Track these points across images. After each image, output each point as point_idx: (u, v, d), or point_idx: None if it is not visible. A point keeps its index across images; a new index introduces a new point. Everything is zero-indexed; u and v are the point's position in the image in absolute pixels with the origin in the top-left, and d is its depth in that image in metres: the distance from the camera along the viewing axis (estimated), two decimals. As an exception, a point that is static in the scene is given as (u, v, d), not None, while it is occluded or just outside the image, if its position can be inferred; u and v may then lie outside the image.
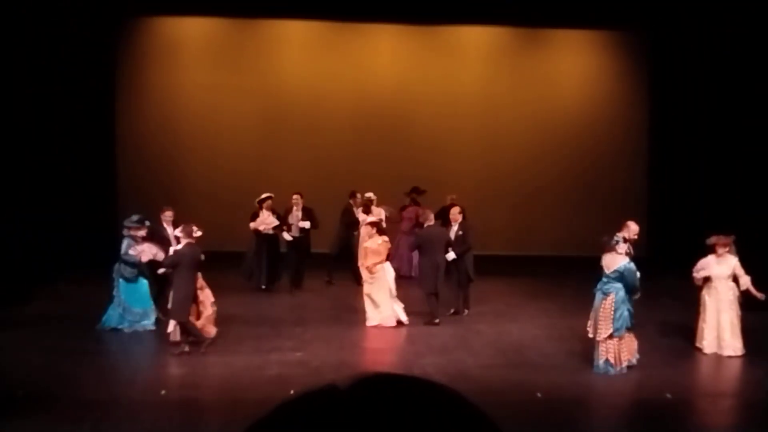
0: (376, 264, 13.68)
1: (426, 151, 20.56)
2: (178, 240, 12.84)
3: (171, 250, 12.77)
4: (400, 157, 20.29)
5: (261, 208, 15.79)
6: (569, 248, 20.03)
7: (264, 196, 15.88)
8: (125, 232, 13.03)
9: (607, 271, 11.63)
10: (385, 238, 14.01)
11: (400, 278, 17.84)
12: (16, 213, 15.47)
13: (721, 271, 12.32)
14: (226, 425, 9.47)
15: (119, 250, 13.02)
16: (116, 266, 13.08)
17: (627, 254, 11.82)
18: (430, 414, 1.07)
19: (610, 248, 11.68)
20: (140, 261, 12.83)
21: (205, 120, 20.40)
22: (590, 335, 11.86)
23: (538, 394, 10.63)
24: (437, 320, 13.89)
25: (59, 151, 17.50)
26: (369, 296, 13.73)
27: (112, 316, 12.98)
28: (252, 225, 15.81)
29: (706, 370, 12.29)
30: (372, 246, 13.80)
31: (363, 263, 14.04)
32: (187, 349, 11.81)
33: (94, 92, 18.90)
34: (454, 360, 12.00)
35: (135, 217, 13.10)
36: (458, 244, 14.26)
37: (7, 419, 9.51)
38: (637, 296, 11.76)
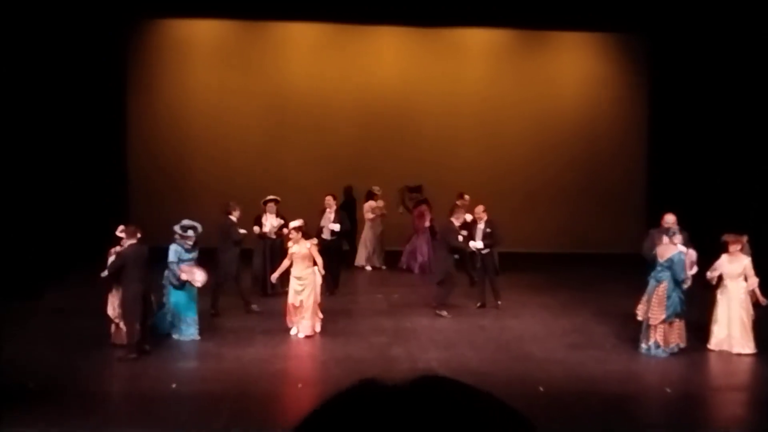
0: (308, 267, 12.95)
1: (429, 151, 20.76)
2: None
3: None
4: (404, 156, 20.49)
5: (265, 210, 15.36)
6: (570, 245, 20.21)
7: (269, 197, 15.40)
8: (176, 238, 12.55)
9: (661, 260, 12.32)
10: (314, 241, 13.36)
11: (409, 273, 18.17)
12: (29, 209, 15.69)
13: (732, 270, 12.45)
14: (236, 417, 9.68)
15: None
16: (165, 273, 12.53)
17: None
18: (485, 424, 1.11)
19: (667, 239, 12.43)
20: (179, 278, 12.38)
21: (214, 120, 20.58)
22: (639, 318, 12.59)
23: (540, 389, 10.82)
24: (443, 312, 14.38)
25: (71, 149, 17.71)
26: (294, 304, 12.94)
27: (162, 323, 12.54)
28: (255, 229, 15.26)
29: (713, 367, 12.43)
30: (301, 251, 12.93)
31: (283, 268, 13.15)
32: (148, 347, 11.72)
33: (105, 93, 19.07)
34: (457, 354, 12.19)
35: (187, 223, 12.64)
36: (486, 239, 14.81)
37: (19, 411, 9.68)
38: (687, 285, 12.39)
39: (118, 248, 12.18)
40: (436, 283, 14.65)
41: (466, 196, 16.83)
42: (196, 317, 12.71)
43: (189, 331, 12.55)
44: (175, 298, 12.46)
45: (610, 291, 15.98)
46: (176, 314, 12.49)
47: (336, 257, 15.87)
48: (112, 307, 12.09)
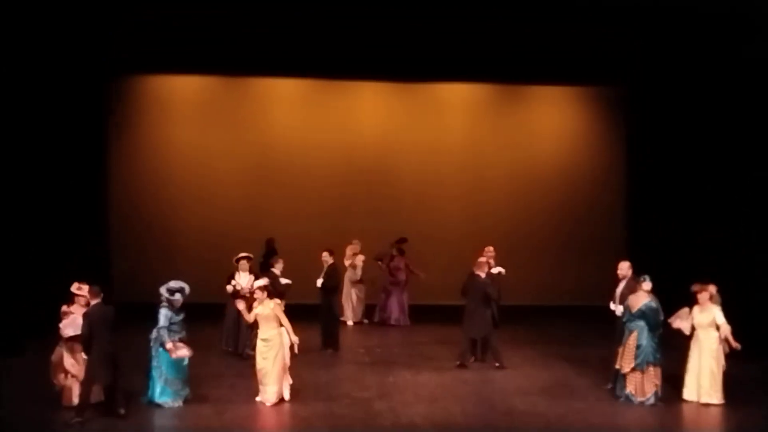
0: (274, 328, 12.28)
1: (411, 203, 20.96)
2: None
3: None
4: (386, 209, 20.67)
5: (237, 268, 14.96)
6: (551, 298, 20.33)
7: (241, 255, 15.00)
8: (163, 300, 12.12)
9: (632, 310, 12.49)
10: (277, 300, 12.64)
11: (392, 327, 18.19)
12: (10, 264, 15.64)
13: (702, 320, 12.61)
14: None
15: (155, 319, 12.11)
16: (154, 335, 12.08)
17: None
18: None
19: (637, 287, 12.58)
20: (168, 350, 11.99)
21: (197, 175, 20.69)
22: (617, 366, 12.70)
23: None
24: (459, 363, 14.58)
25: (52, 204, 17.69)
26: (261, 370, 12.28)
27: (154, 390, 12.07)
28: (228, 288, 14.82)
29: (695, 418, 12.38)
30: (264, 312, 12.27)
31: (249, 330, 12.84)
32: (123, 411, 11.41)
33: (87, 148, 19.13)
34: (440, 408, 12.16)
35: (174, 286, 12.21)
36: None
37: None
38: (659, 332, 12.42)
39: (67, 307, 11.92)
40: (481, 338, 14.69)
41: (490, 248, 16.62)
42: (187, 377, 12.40)
43: (181, 395, 12.21)
44: (166, 359, 12.06)
45: (592, 343, 16.05)
46: (169, 378, 12.11)
47: (325, 314, 15.80)
48: (71, 365, 11.79)
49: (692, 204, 18.59)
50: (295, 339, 12.32)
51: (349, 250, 18.56)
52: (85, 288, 12.02)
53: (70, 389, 11.86)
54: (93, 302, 11.53)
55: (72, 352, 11.88)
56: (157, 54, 19.64)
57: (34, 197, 17.08)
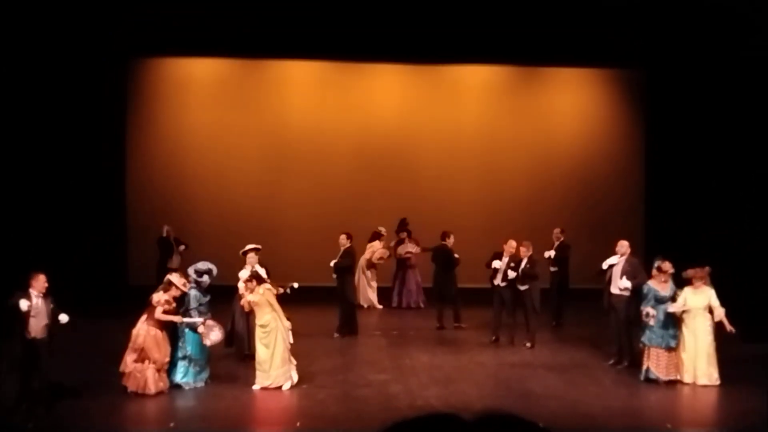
0: (269, 312, 12.09)
1: (427, 187, 20.89)
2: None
3: None
4: (402, 193, 20.61)
5: (245, 261, 13.85)
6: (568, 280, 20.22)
7: (249, 247, 13.96)
8: (191, 282, 12.25)
9: None
10: (267, 285, 12.26)
11: (410, 310, 18.20)
12: (28, 250, 15.71)
13: (697, 302, 12.64)
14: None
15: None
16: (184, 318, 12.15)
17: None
18: None
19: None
20: (200, 333, 12.07)
21: (213, 157, 20.72)
22: None
23: (540, 425, 10.78)
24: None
25: (70, 188, 17.77)
26: (261, 355, 12.15)
27: (177, 370, 12.12)
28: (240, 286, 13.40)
29: (685, 400, 12.42)
30: (255, 298, 12.07)
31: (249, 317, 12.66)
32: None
33: (105, 131, 19.19)
34: (456, 391, 12.17)
35: (201, 267, 12.39)
36: (525, 276, 14.99)
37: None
38: (643, 316, 12.69)
39: (161, 294, 11.91)
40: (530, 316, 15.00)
41: (556, 230, 17.40)
42: (208, 359, 12.48)
43: (201, 376, 12.31)
44: (192, 340, 12.16)
45: (607, 326, 15.96)
46: (193, 358, 12.19)
47: (339, 296, 15.77)
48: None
49: (711, 190, 18.43)
50: (288, 324, 12.22)
51: (374, 246, 18.46)
52: (186, 283, 12.02)
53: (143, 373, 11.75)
54: (44, 290, 11.30)
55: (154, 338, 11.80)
56: (174, 37, 19.60)
57: (52, 181, 17.16)
